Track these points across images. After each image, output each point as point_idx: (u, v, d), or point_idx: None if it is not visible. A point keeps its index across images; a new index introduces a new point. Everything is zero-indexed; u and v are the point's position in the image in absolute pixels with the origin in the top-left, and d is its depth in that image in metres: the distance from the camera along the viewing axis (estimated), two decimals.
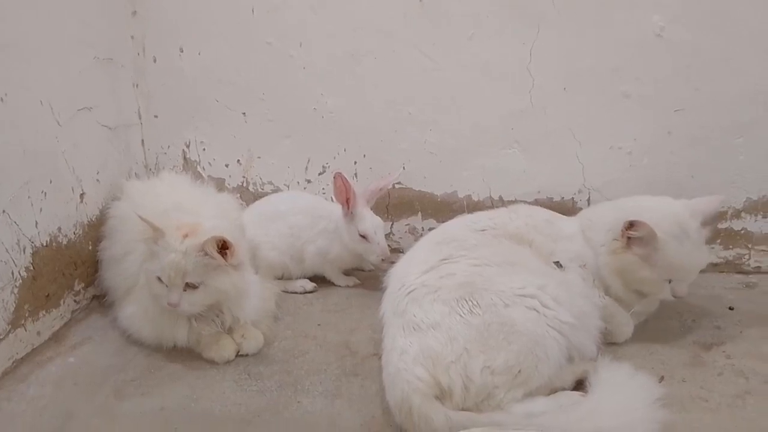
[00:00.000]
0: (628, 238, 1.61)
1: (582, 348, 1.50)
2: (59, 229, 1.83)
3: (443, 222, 1.91)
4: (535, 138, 2.14)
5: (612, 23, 1.99)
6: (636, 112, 2.05)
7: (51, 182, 1.80)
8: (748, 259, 2.13)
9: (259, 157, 2.35)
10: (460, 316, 1.41)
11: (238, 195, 2.38)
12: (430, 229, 1.91)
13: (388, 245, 2.03)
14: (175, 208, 1.76)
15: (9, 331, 1.64)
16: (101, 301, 1.97)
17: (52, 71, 1.81)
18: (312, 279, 2.14)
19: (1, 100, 1.61)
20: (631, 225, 1.58)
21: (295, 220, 2.09)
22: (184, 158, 2.38)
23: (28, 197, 1.71)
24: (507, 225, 1.74)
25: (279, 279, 2.11)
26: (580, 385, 1.45)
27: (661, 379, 1.53)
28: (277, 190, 2.37)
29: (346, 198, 1.97)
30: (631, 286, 1.67)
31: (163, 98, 2.34)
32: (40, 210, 1.75)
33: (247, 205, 2.28)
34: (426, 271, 1.55)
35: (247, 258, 1.78)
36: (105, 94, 2.10)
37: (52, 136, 1.81)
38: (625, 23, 1.98)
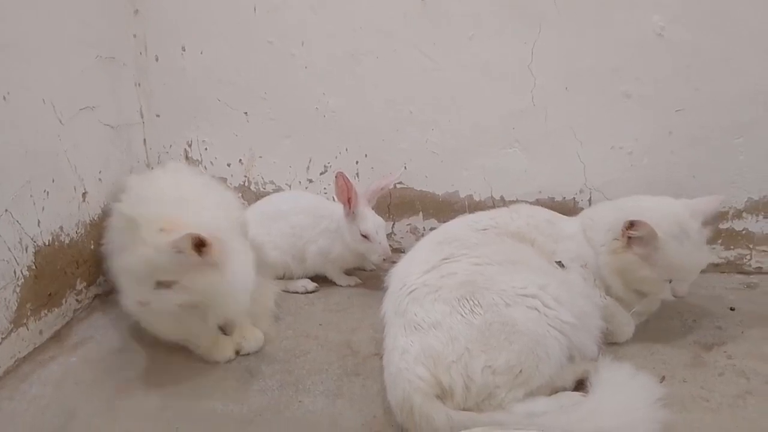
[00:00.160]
0: (629, 237, 1.61)
1: (583, 348, 1.50)
2: (61, 228, 1.84)
3: (444, 222, 1.91)
4: (537, 138, 2.15)
5: (612, 23, 1.99)
6: (637, 112, 2.05)
7: (53, 181, 1.80)
8: (750, 260, 2.13)
9: (260, 157, 2.36)
10: (462, 315, 1.41)
11: (240, 194, 2.39)
12: (432, 229, 1.92)
13: (390, 245, 2.04)
14: (177, 201, 1.69)
15: (11, 330, 1.64)
16: (104, 300, 1.97)
17: (54, 70, 1.82)
18: (313, 279, 2.14)
19: (4, 98, 1.61)
20: (631, 225, 1.58)
21: (297, 219, 2.09)
22: (186, 157, 2.39)
23: (31, 196, 1.71)
24: (508, 225, 1.74)
25: (280, 279, 2.11)
26: (581, 385, 1.45)
27: (662, 379, 1.53)
28: (278, 189, 2.37)
29: (347, 198, 1.97)
30: (632, 286, 1.67)
31: (165, 97, 2.34)
32: (43, 209, 1.76)
33: (249, 204, 2.28)
34: (427, 271, 1.55)
35: (237, 256, 1.65)
36: (107, 93, 2.10)
37: (54, 135, 1.82)
38: (625, 23, 1.98)
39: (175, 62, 2.29)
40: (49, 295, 1.80)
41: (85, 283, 1.96)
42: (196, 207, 1.67)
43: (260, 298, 1.90)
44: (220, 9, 2.21)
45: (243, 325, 1.75)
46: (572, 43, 2.03)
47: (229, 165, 2.38)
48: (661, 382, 1.49)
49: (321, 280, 2.15)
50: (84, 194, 1.94)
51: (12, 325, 1.64)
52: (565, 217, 1.84)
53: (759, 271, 2.13)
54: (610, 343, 1.66)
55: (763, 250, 2.11)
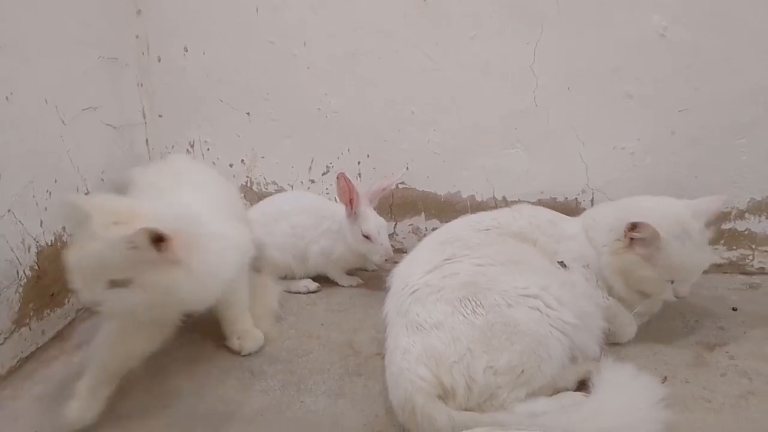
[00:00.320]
0: (631, 239, 1.61)
1: (585, 348, 1.50)
2: (64, 228, 1.84)
3: (446, 222, 1.91)
4: (538, 138, 2.15)
5: (613, 23, 1.99)
6: (639, 112, 2.05)
7: (56, 181, 1.80)
8: (752, 260, 2.13)
9: (263, 157, 2.36)
10: (464, 316, 1.41)
11: (242, 195, 2.39)
12: (434, 229, 1.91)
13: (392, 245, 2.04)
14: (162, 189, 1.63)
15: (14, 330, 1.65)
16: None
17: (57, 71, 1.82)
18: (315, 279, 2.14)
19: (6, 99, 1.61)
20: (634, 227, 1.58)
21: (299, 220, 2.09)
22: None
23: (33, 196, 1.72)
24: (510, 225, 1.74)
25: (282, 279, 2.11)
26: (583, 386, 1.45)
27: (664, 379, 1.53)
28: (280, 189, 2.37)
29: (349, 198, 1.97)
30: (633, 287, 1.66)
31: (168, 98, 2.34)
32: (45, 209, 1.76)
33: (251, 204, 2.28)
34: (429, 271, 1.55)
35: (216, 244, 1.52)
36: (109, 94, 2.11)
37: (57, 135, 1.82)
38: (626, 23, 1.98)
39: (178, 63, 2.29)
40: (52, 295, 1.80)
41: None
42: (182, 193, 1.61)
43: (263, 298, 1.90)
44: (222, 9, 2.21)
45: (241, 324, 1.74)
46: (574, 44, 2.03)
47: (231, 165, 2.38)
48: (663, 383, 1.49)
49: (323, 280, 2.15)
50: (86, 194, 1.95)
51: (15, 325, 1.65)
52: (567, 217, 1.83)
53: (761, 271, 2.13)
54: (612, 343, 1.66)
55: (766, 251, 2.11)
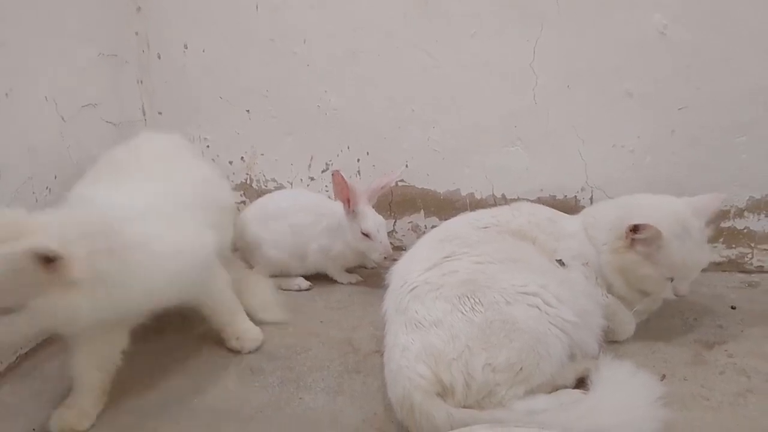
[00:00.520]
0: (632, 239, 1.61)
1: (584, 346, 1.50)
2: None
3: (446, 220, 1.91)
4: (538, 136, 2.15)
5: (614, 22, 1.99)
6: (639, 111, 2.05)
7: (56, 178, 1.81)
8: (751, 258, 2.13)
9: (262, 154, 2.36)
10: (463, 313, 1.41)
11: (242, 192, 2.39)
12: (433, 227, 1.91)
13: (391, 243, 2.04)
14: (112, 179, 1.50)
15: None
16: None
17: (57, 67, 1.82)
18: (314, 276, 2.14)
19: (6, 96, 1.61)
20: (636, 228, 1.58)
21: (298, 218, 2.09)
22: None
23: (33, 193, 1.72)
24: (510, 223, 1.74)
25: (276, 276, 2.11)
26: (581, 383, 1.45)
27: (663, 377, 1.53)
28: (280, 187, 2.37)
29: (346, 196, 1.97)
30: (633, 285, 1.66)
31: (167, 95, 2.35)
32: (45, 206, 1.76)
33: (251, 201, 2.28)
34: (428, 269, 1.55)
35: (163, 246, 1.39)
36: (109, 91, 2.11)
37: (57, 132, 1.82)
38: (626, 23, 1.98)
39: (177, 60, 2.29)
40: None
41: None
42: (132, 183, 1.49)
43: (257, 292, 1.89)
44: (222, 7, 2.21)
45: (238, 325, 1.73)
46: (574, 43, 2.03)
47: (231, 162, 2.38)
48: (661, 381, 1.49)
49: (322, 277, 2.15)
50: None
51: None
52: (566, 215, 1.83)
53: (760, 269, 2.13)
54: (611, 341, 1.66)
55: (765, 249, 2.11)
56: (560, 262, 1.67)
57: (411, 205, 2.31)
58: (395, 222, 2.33)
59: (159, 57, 2.30)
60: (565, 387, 1.44)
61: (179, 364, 1.67)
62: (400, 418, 1.35)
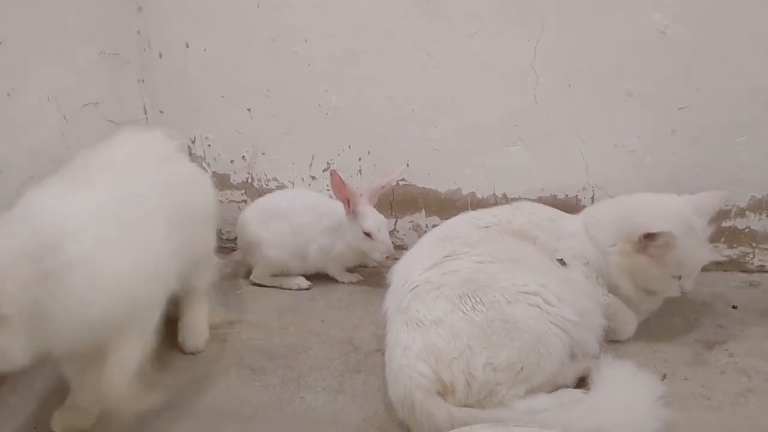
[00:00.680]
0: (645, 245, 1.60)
1: (584, 345, 1.51)
2: None
3: (447, 219, 1.91)
4: (539, 135, 2.14)
5: (614, 22, 1.98)
6: (639, 110, 2.05)
7: None
8: (752, 258, 2.13)
9: (263, 154, 2.36)
10: (463, 312, 1.41)
11: (243, 191, 2.40)
12: (434, 226, 1.91)
13: (392, 242, 2.03)
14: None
15: None
16: None
17: (58, 67, 1.83)
18: (315, 275, 2.14)
19: (8, 95, 1.62)
20: (650, 236, 1.57)
21: (298, 217, 2.09)
22: (189, 154, 2.39)
23: None
24: (510, 222, 1.74)
25: (276, 275, 2.12)
26: (582, 383, 1.45)
27: (664, 377, 1.53)
28: (281, 186, 2.37)
29: (345, 196, 1.97)
30: (642, 286, 1.66)
31: (169, 94, 2.35)
32: None
33: (252, 201, 2.28)
34: (429, 268, 1.55)
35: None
36: (110, 90, 2.11)
37: (58, 131, 1.83)
38: (626, 22, 1.97)
39: (179, 59, 2.29)
40: None
41: None
42: (91, 191, 1.29)
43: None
44: (224, 6, 2.21)
45: (190, 315, 1.69)
46: (574, 42, 2.03)
47: (232, 162, 2.39)
48: (662, 380, 1.49)
49: (322, 277, 2.15)
50: None
51: None
52: (567, 215, 1.83)
53: (761, 269, 2.12)
54: (611, 340, 1.66)
55: (766, 249, 2.11)
56: (561, 262, 1.67)
57: (412, 204, 2.31)
58: (396, 221, 2.33)
59: (160, 56, 2.30)
60: (566, 386, 1.44)
61: (179, 363, 1.67)
62: (401, 417, 1.36)
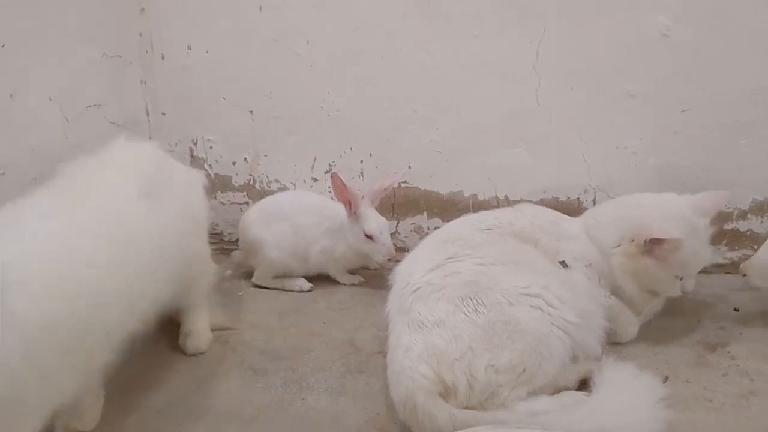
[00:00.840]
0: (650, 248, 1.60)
1: (586, 347, 1.51)
2: None
3: (449, 221, 1.91)
4: (541, 137, 2.14)
5: (615, 23, 1.99)
6: (641, 112, 2.05)
7: None
8: None
9: (265, 155, 2.36)
10: (465, 314, 1.41)
11: (245, 193, 2.40)
12: (436, 228, 1.92)
13: (394, 244, 2.03)
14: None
15: None
16: None
17: (60, 68, 1.83)
18: (316, 277, 2.14)
19: (10, 96, 1.62)
20: (657, 241, 1.56)
21: (300, 219, 2.09)
22: (192, 156, 2.39)
23: None
24: (512, 224, 1.74)
25: (278, 277, 2.12)
26: (584, 385, 1.45)
27: (666, 379, 1.53)
28: (283, 188, 2.37)
29: (346, 198, 1.97)
30: (646, 287, 1.66)
31: (171, 95, 2.35)
32: None
33: (254, 202, 2.28)
34: (431, 270, 1.55)
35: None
36: (113, 91, 2.11)
37: (61, 132, 1.83)
38: (627, 23, 1.98)
39: (181, 61, 2.30)
40: None
41: None
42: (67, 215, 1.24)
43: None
44: (226, 8, 2.22)
45: (191, 318, 1.69)
46: (575, 43, 2.03)
47: (234, 163, 2.39)
48: (664, 382, 1.49)
49: (324, 278, 2.15)
50: None
51: None
52: (569, 217, 1.83)
53: None
54: (613, 342, 1.66)
55: None
56: (563, 264, 1.67)
57: (414, 206, 2.31)
58: (398, 223, 2.33)
59: (162, 58, 2.31)
60: (568, 388, 1.44)
61: (182, 364, 1.67)
62: (403, 418, 1.36)
